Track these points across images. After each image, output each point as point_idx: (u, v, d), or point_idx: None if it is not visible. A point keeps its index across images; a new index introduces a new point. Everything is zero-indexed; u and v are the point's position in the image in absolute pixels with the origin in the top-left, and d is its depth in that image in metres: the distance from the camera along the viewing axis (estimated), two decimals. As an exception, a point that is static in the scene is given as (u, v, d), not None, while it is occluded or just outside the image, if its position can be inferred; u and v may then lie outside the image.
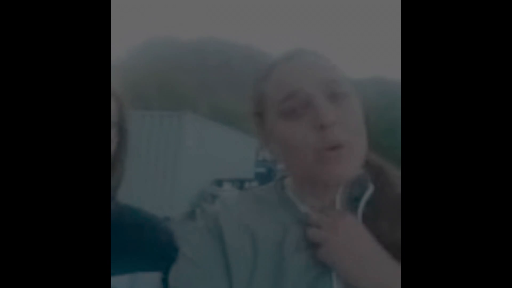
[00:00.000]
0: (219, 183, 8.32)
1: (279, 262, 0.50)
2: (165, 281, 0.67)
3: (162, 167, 7.17)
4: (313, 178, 0.52)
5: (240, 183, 9.12)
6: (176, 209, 6.89)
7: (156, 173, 7.17)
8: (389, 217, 0.51)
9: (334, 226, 0.50)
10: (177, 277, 0.54)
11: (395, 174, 0.56)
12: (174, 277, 0.54)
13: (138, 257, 0.66)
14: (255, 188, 0.65)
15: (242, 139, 10.99)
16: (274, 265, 0.50)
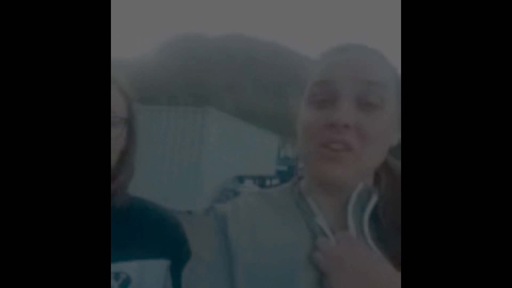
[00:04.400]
0: (240, 179, 8.38)
1: (287, 272, 0.48)
2: (171, 268, 0.71)
3: (185, 162, 7.29)
4: (311, 173, 0.51)
5: (261, 180, 9.16)
6: (198, 204, 7.00)
7: (179, 168, 7.30)
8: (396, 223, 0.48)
9: (340, 258, 0.47)
10: (189, 275, 0.54)
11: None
12: (187, 275, 0.54)
13: (147, 245, 0.69)
14: (270, 189, 0.62)
15: (265, 136, 11.01)
16: (281, 274, 0.48)
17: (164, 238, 0.72)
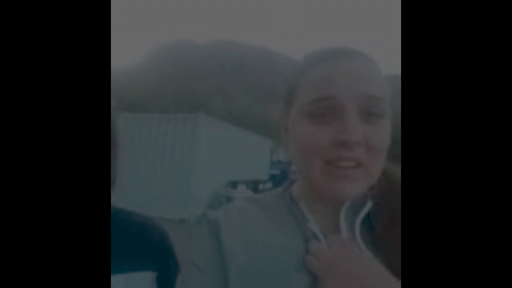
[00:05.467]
0: (233, 185, 8.33)
1: (280, 277, 0.48)
2: (158, 280, 0.69)
3: (177, 169, 7.24)
4: (318, 189, 0.50)
5: (254, 185, 9.11)
6: (191, 212, 6.95)
7: (171, 176, 7.25)
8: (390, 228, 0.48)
9: (332, 261, 0.47)
10: (183, 281, 0.54)
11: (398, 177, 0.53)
12: (180, 282, 0.54)
13: (132, 258, 0.68)
14: (262, 194, 0.62)
15: (257, 140, 11.01)
16: (274, 279, 0.48)
17: (149, 250, 0.70)
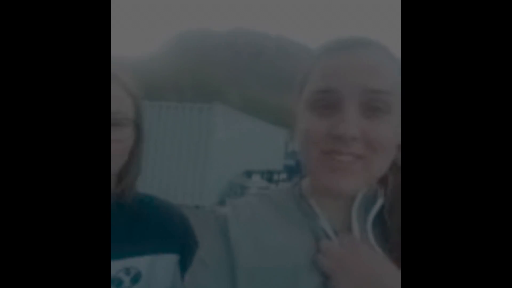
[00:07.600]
0: (248, 174, 8.38)
1: (290, 276, 0.48)
2: (181, 262, 0.72)
3: (193, 158, 7.33)
4: (316, 181, 0.50)
5: (269, 175, 9.15)
6: (206, 199, 7.05)
7: (187, 164, 7.34)
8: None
9: (343, 260, 0.46)
10: (191, 278, 0.54)
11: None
12: (189, 278, 0.54)
13: (157, 241, 0.71)
14: (271, 190, 0.61)
15: (272, 131, 11.00)
16: (283, 278, 0.48)
17: (173, 233, 0.74)
